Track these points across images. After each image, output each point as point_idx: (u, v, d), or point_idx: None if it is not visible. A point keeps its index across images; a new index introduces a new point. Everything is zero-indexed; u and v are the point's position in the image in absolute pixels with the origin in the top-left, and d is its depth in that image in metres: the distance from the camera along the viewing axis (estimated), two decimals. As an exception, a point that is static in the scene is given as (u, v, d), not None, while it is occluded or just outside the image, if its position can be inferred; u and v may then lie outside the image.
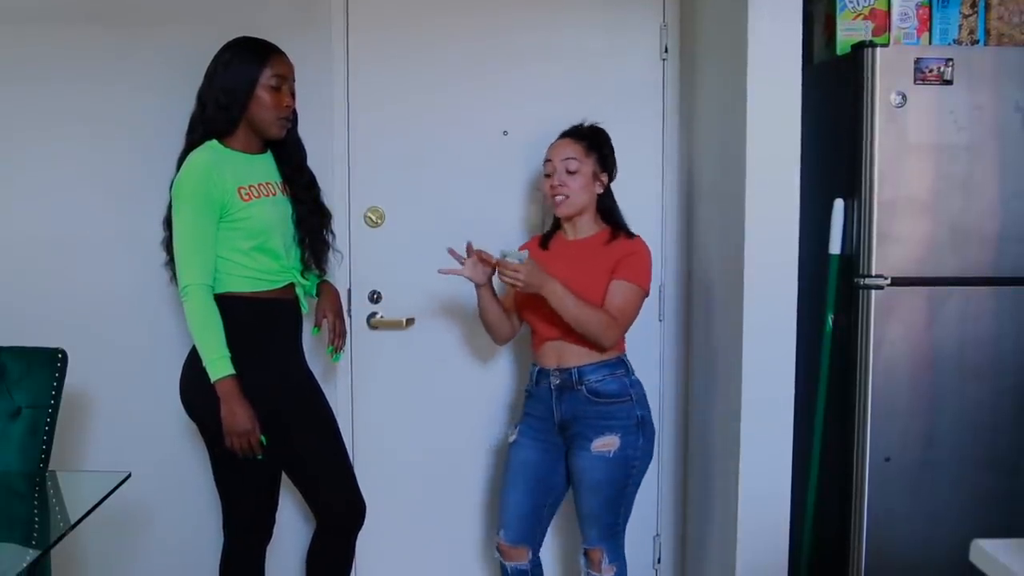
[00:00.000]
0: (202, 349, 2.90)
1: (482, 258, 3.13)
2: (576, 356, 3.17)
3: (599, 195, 3.24)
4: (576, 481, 3.23)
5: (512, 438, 3.38)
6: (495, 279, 3.13)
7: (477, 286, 3.22)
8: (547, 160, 3.24)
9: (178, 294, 2.93)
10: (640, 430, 3.16)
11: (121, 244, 3.55)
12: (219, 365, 2.88)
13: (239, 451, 2.92)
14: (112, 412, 3.63)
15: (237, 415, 2.88)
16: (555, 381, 3.21)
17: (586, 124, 3.28)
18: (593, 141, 3.22)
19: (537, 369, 3.29)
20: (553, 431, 3.26)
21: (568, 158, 3.18)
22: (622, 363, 3.21)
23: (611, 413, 3.15)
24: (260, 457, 2.95)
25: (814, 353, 3.32)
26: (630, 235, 3.25)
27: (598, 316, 3.08)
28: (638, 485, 3.23)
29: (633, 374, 3.23)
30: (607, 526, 3.21)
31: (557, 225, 3.33)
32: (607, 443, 3.13)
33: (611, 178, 3.27)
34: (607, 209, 3.27)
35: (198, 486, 3.59)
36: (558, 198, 3.20)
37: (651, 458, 3.24)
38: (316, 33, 3.59)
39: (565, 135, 3.26)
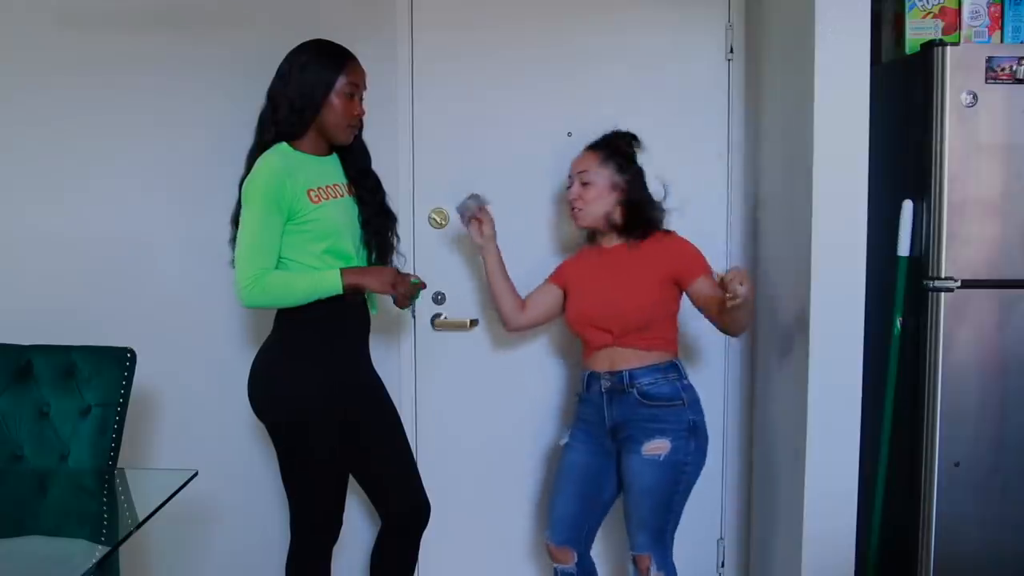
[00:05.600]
0: (310, 295, 2.93)
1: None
2: (628, 359, 3.18)
3: (626, 198, 3.22)
4: (626, 485, 3.22)
5: (564, 441, 3.39)
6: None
7: (482, 248, 3.36)
8: (569, 176, 3.28)
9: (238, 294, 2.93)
10: (692, 435, 3.15)
11: (190, 244, 3.60)
12: (329, 282, 2.93)
13: (407, 294, 3.07)
14: (180, 411, 3.68)
15: (373, 277, 3.02)
16: (605, 384, 3.21)
17: (613, 132, 3.28)
18: (611, 150, 3.23)
19: (588, 374, 3.30)
20: (604, 435, 3.26)
21: (581, 171, 3.23)
22: (675, 367, 3.20)
23: (663, 416, 3.14)
24: (417, 282, 3.14)
25: (882, 356, 3.27)
26: (658, 229, 3.26)
27: None
28: (688, 491, 3.21)
29: (686, 378, 3.22)
30: (655, 532, 3.19)
31: (592, 235, 3.35)
32: (658, 447, 3.11)
33: (635, 181, 3.22)
34: (633, 206, 3.23)
35: (265, 485, 3.63)
36: (575, 211, 3.25)
37: (703, 464, 3.21)
38: (381, 34, 3.60)
39: (586, 148, 3.29)
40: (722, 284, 2.89)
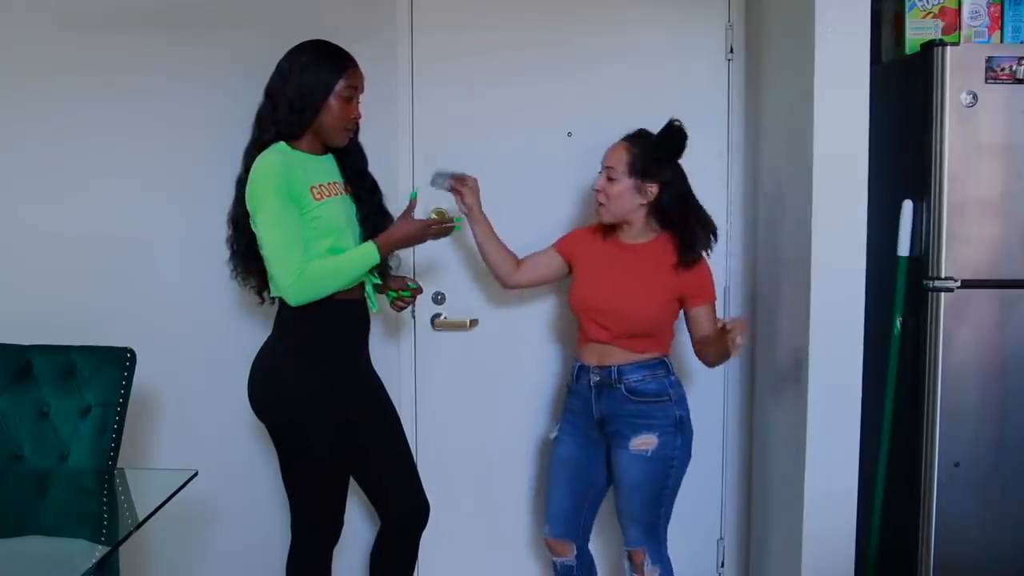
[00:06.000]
0: (353, 274, 2.96)
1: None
2: (617, 356, 3.18)
3: (656, 202, 3.17)
4: (616, 480, 3.24)
5: (553, 434, 3.40)
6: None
7: (470, 219, 3.35)
8: (601, 163, 3.24)
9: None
10: (678, 430, 3.16)
11: (190, 244, 3.59)
12: (368, 256, 2.95)
13: (439, 232, 3.09)
14: (180, 411, 3.67)
15: (405, 234, 3.03)
16: (594, 379, 3.22)
17: (672, 125, 3.17)
18: (646, 149, 3.15)
19: (578, 366, 3.30)
20: (592, 427, 3.27)
21: (609, 166, 3.17)
22: (663, 364, 3.21)
23: (650, 412, 3.15)
24: (458, 226, 3.17)
25: (882, 356, 3.27)
26: (702, 253, 3.19)
27: None
28: (677, 486, 3.21)
29: (673, 375, 3.22)
30: (647, 526, 3.21)
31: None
32: (645, 442, 3.13)
33: (667, 186, 3.16)
34: (673, 216, 3.17)
35: (265, 485, 3.62)
36: (598, 203, 3.22)
37: (689, 458, 3.22)
38: (381, 34, 3.60)
39: (622, 139, 3.22)
40: (723, 330, 2.91)
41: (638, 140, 3.19)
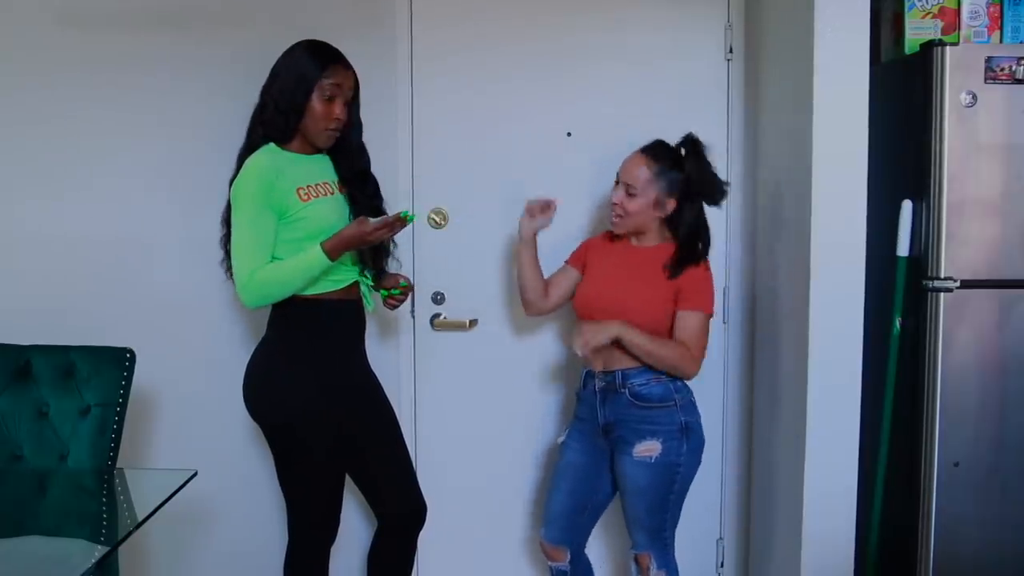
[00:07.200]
0: (304, 276, 2.90)
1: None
2: (622, 360, 3.15)
3: (670, 215, 3.16)
4: (620, 486, 3.23)
5: (561, 439, 3.40)
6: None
7: (522, 239, 3.30)
8: (617, 173, 3.21)
9: (236, 292, 2.93)
10: (684, 436, 3.13)
11: (190, 245, 3.58)
12: (314, 257, 2.88)
13: (391, 228, 2.91)
14: (179, 411, 3.67)
15: (355, 235, 2.89)
16: (599, 384, 3.21)
17: (685, 137, 3.17)
18: (666, 165, 3.13)
19: (585, 371, 3.29)
20: (598, 434, 3.26)
21: (628, 183, 3.14)
22: None
23: (654, 418, 3.13)
24: (410, 217, 2.92)
25: (881, 356, 3.27)
26: (696, 260, 3.16)
27: (674, 348, 3.09)
28: (684, 491, 3.20)
29: (680, 380, 3.19)
30: (653, 531, 3.20)
31: None
32: (649, 448, 3.11)
33: (689, 199, 3.15)
34: (684, 228, 3.16)
35: (264, 485, 3.63)
36: (614, 217, 3.20)
37: (697, 464, 3.20)
38: (380, 33, 3.60)
39: (641, 151, 3.18)
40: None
41: (659, 152, 3.16)
